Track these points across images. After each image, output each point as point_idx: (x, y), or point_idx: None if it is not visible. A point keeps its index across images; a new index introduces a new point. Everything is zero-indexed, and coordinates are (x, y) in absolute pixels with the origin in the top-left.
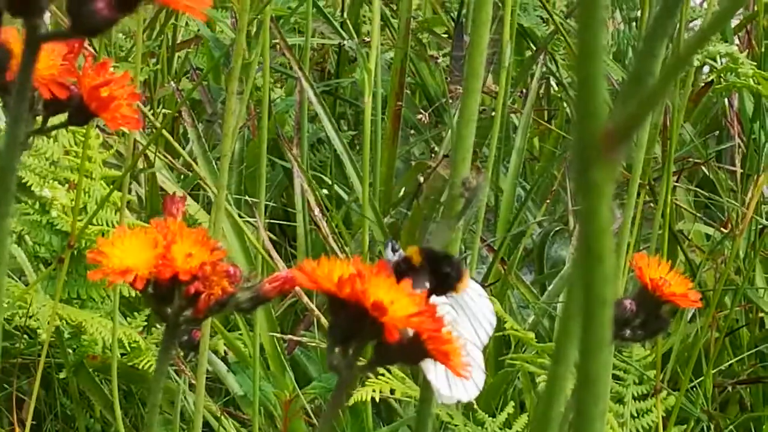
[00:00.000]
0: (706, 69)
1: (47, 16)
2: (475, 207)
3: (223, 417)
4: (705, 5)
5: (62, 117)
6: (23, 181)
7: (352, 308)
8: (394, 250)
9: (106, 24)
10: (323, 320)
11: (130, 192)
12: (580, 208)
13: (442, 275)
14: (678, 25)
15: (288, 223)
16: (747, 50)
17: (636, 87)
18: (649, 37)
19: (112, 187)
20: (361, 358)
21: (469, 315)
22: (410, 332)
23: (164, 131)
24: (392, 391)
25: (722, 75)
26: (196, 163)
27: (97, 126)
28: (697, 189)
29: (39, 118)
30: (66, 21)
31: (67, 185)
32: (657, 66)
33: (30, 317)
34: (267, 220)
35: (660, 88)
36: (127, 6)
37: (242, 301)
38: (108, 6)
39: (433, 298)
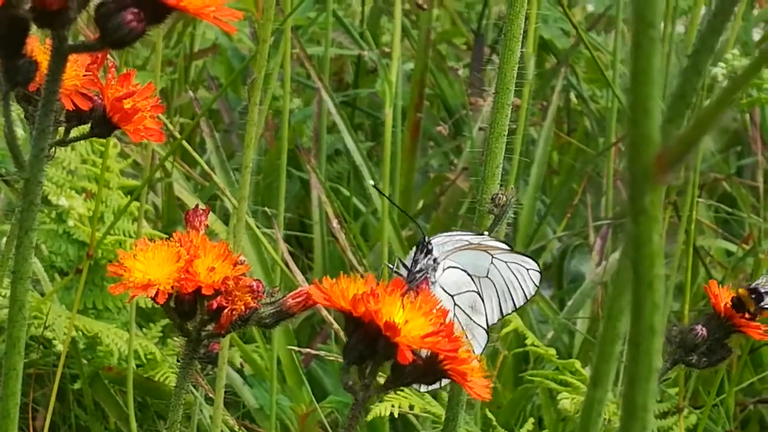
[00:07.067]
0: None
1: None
2: (504, 223)
3: (240, 430)
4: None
5: (84, 128)
6: None
7: (366, 328)
8: (427, 251)
9: (134, 36)
10: (341, 334)
11: (146, 201)
12: (629, 234)
13: None
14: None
15: (304, 234)
16: None
17: (680, 104)
18: (695, 54)
19: (129, 197)
20: (381, 373)
21: (498, 285)
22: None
23: (183, 142)
24: (411, 407)
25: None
26: (215, 173)
27: (115, 135)
28: (718, 204)
29: (61, 129)
30: (86, 32)
31: (84, 194)
32: (700, 83)
33: (46, 328)
34: (284, 231)
35: (714, 112)
36: (155, 18)
37: (265, 317)
38: (137, 18)
39: (457, 273)
